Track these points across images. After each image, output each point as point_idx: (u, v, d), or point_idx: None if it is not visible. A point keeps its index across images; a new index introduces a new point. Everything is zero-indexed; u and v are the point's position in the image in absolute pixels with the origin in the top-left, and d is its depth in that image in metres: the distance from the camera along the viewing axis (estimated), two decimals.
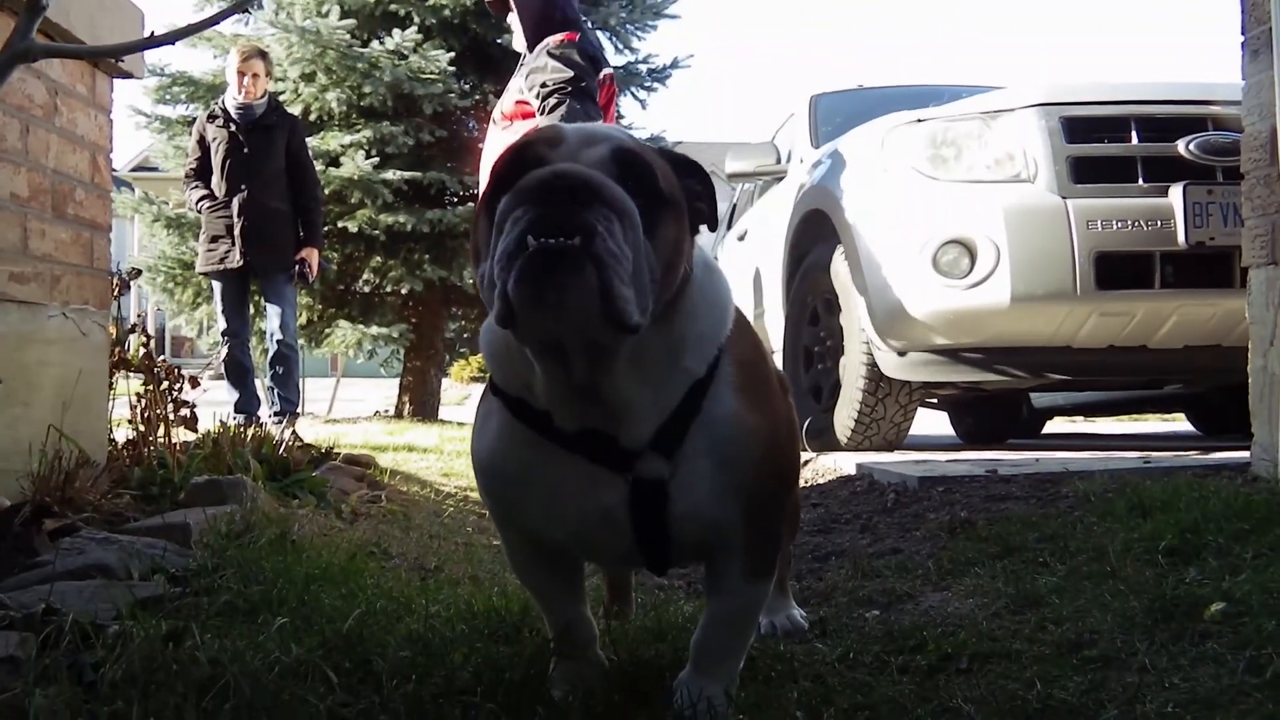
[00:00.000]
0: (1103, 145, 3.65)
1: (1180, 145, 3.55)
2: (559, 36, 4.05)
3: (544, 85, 3.88)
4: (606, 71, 4.15)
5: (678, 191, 1.15)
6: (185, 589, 1.59)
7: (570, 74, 3.82)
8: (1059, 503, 2.35)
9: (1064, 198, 3.51)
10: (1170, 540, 1.81)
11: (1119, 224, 3.49)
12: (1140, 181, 3.56)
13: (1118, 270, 3.47)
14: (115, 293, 3.34)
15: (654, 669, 1.44)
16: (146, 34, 3.40)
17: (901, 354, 3.80)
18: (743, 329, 1.28)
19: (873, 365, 3.91)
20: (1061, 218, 3.49)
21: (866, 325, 3.87)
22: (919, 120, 3.85)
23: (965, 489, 2.56)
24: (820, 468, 3.48)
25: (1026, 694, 1.27)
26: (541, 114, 3.89)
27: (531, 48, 4.11)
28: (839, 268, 4.05)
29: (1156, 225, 3.48)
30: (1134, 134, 3.64)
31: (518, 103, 4.04)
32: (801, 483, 3.30)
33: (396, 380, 9.33)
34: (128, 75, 3.17)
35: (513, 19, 4.23)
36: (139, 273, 4.19)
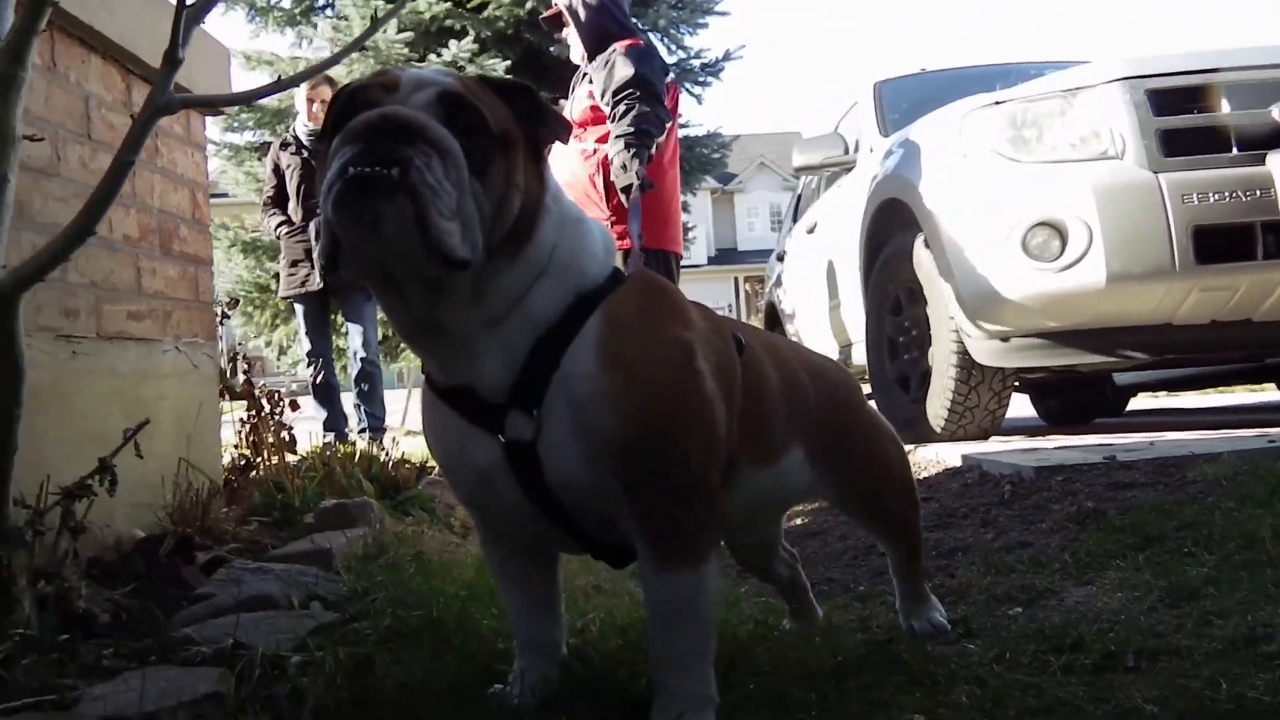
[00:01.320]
0: (1192, 116, 3.55)
1: (1275, 111, 3.44)
2: (624, 43, 4.07)
3: (615, 91, 3.90)
4: (670, 77, 4.18)
5: (511, 126, 1.14)
6: (344, 614, 1.63)
7: (636, 75, 3.84)
8: (1187, 488, 2.30)
9: (1155, 172, 3.43)
10: None
11: (1215, 196, 3.39)
12: (1235, 151, 3.46)
13: (1217, 243, 3.38)
14: (218, 323, 3.44)
15: (618, 668, 1.40)
16: (231, 69, 3.49)
17: (994, 340, 3.74)
18: (642, 291, 1.22)
19: (964, 353, 3.86)
20: (1154, 193, 3.41)
21: (956, 313, 3.81)
22: (996, 102, 3.78)
23: (1085, 477, 2.52)
24: (921, 460, 3.44)
25: (1213, 694, 1.24)
26: (612, 120, 3.91)
27: (592, 57, 4.13)
28: (922, 256, 4.01)
29: (1255, 195, 3.37)
30: (1224, 102, 3.55)
31: (591, 109, 4.06)
32: None
33: None
34: (218, 112, 3.25)
35: (568, 32, 4.26)
36: (237, 302, 4.30)
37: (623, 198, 3.81)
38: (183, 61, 1.54)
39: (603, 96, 3.98)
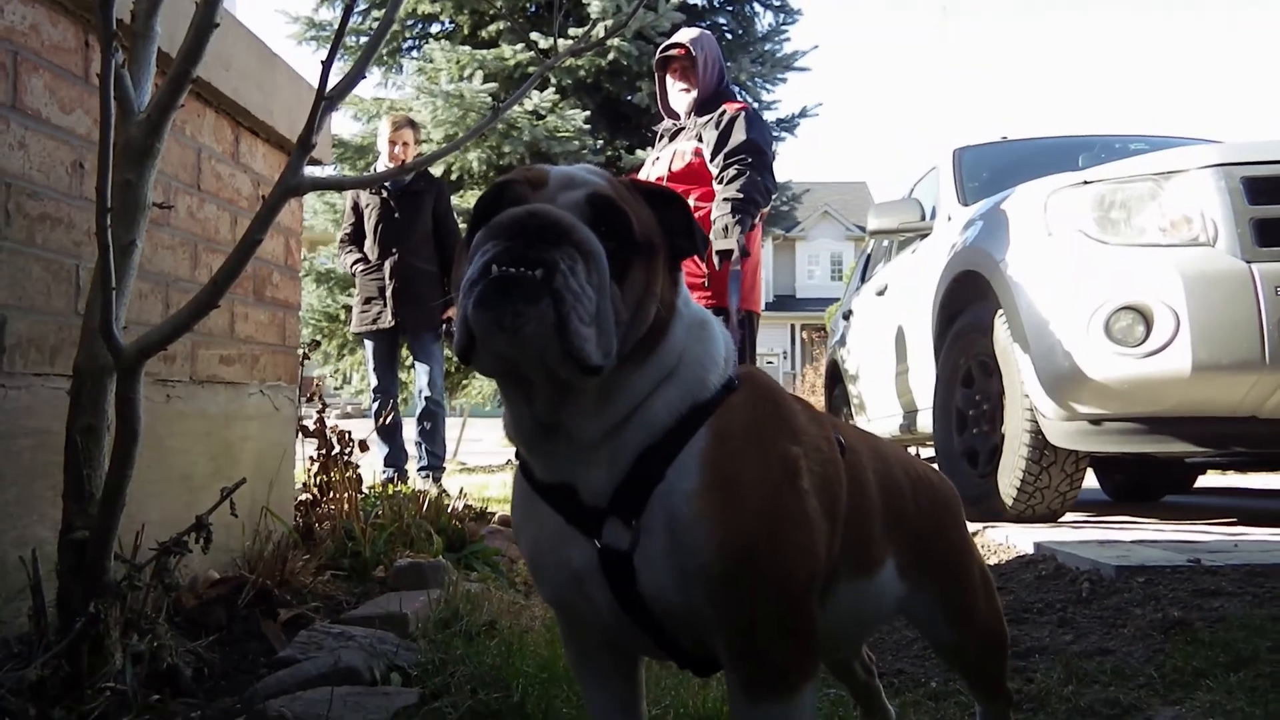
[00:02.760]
0: None
1: None
2: (736, 105, 4.10)
3: (729, 153, 3.92)
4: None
5: (655, 236, 1.13)
6: (424, 690, 1.64)
7: (751, 142, 3.87)
8: (1278, 601, 2.23)
9: (1248, 261, 3.36)
10: None
11: None
12: None
13: None
14: (299, 366, 3.52)
15: None
16: (330, 121, 3.58)
17: (1069, 422, 3.68)
18: (753, 401, 1.19)
19: (1037, 433, 3.80)
20: (1246, 282, 3.34)
21: (1032, 391, 3.76)
22: (1085, 181, 3.75)
23: (1168, 581, 2.44)
24: (990, 543, 3.38)
25: None
26: (719, 182, 3.94)
27: (699, 113, 4.16)
28: (1000, 332, 3.96)
29: None
30: None
31: (696, 165, 4.07)
32: None
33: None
34: (317, 162, 3.35)
35: (676, 83, 4.26)
36: (318, 344, 4.40)
37: (717, 260, 3.80)
38: (314, 145, 1.59)
39: (713, 157, 4.01)
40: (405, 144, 5.68)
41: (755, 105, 4.35)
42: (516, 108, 7.33)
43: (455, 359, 7.60)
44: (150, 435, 2.41)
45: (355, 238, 5.83)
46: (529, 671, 1.68)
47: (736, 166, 3.83)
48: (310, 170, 3.30)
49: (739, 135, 3.88)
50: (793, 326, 33.50)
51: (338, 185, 2.41)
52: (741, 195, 3.80)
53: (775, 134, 8.60)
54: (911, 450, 6.28)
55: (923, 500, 1.47)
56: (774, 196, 9.06)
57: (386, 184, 5.68)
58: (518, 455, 1.21)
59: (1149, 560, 2.63)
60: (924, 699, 2.09)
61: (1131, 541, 3.14)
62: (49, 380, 2.01)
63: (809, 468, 1.20)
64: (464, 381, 8.37)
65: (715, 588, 1.09)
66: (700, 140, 4.06)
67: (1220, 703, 1.76)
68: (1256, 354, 3.29)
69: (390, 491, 3.87)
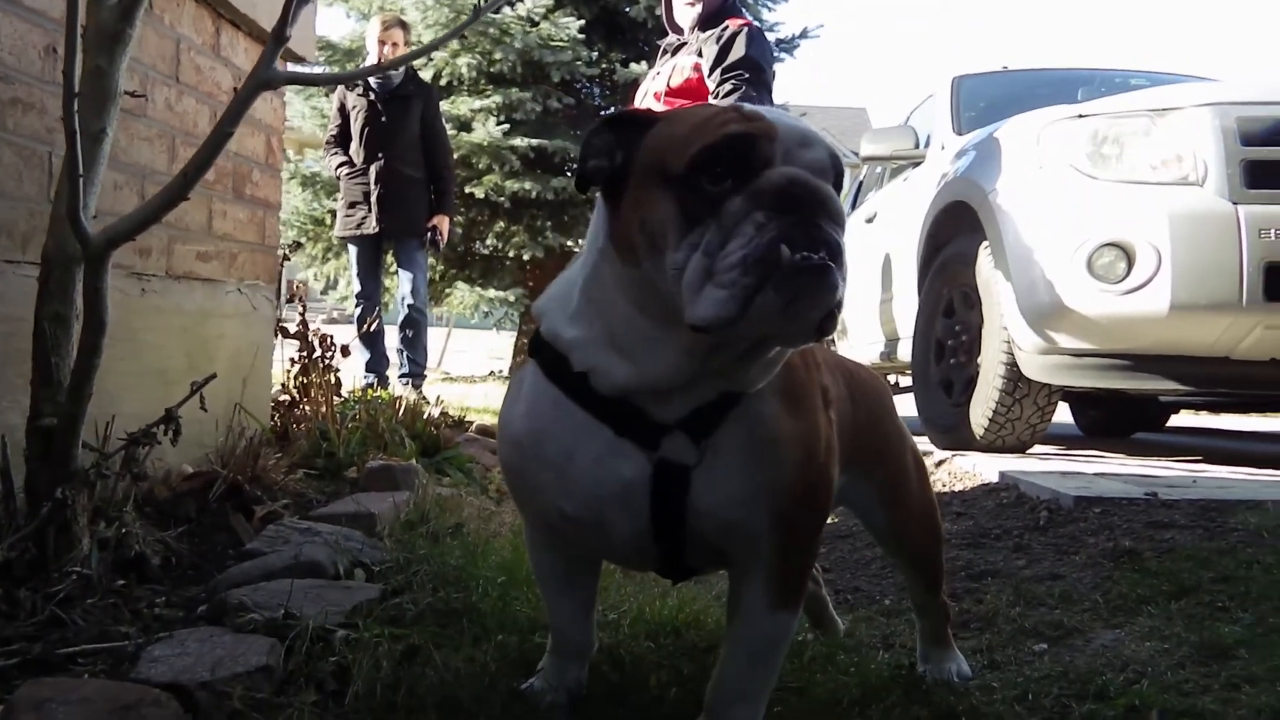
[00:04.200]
0: None
1: None
2: (739, 21, 4.01)
3: (726, 68, 3.84)
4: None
5: None
6: (387, 586, 1.68)
7: (750, 58, 3.78)
8: (1228, 535, 2.28)
9: (1235, 203, 3.35)
10: None
11: None
12: None
13: None
14: (280, 266, 3.50)
15: (651, 673, 1.43)
16: (314, 18, 3.50)
17: (1045, 355, 3.71)
18: None
19: (1012, 365, 3.83)
20: (1231, 225, 3.33)
21: (1010, 323, 3.78)
22: (1080, 115, 3.70)
23: (1124, 513, 2.50)
24: (957, 470, 3.44)
25: None
26: (715, 98, 3.86)
27: (702, 28, 4.07)
28: (983, 263, 3.96)
29: None
30: None
31: (696, 80, 3.99)
32: (941, 487, 3.27)
33: (495, 331, 9.51)
34: (301, 59, 3.28)
35: None
36: (299, 245, 4.37)
37: None
38: (289, 39, 1.56)
39: (711, 72, 3.93)
40: (395, 45, 5.56)
41: (758, 24, 4.21)
42: (508, 12, 7.16)
43: (433, 266, 7.52)
44: (124, 328, 2.42)
45: (341, 140, 5.74)
46: (488, 575, 1.72)
47: (733, 82, 3.76)
48: (294, 69, 3.23)
49: (738, 51, 3.80)
50: None
51: (312, 80, 2.36)
52: None
53: (776, 55, 8.42)
54: (891, 380, 6.33)
55: (857, 394, 1.52)
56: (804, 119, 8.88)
57: (374, 87, 5.57)
58: (550, 364, 1.16)
59: (1107, 492, 2.68)
60: (876, 615, 2.15)
61: (1094, 474, 3.20)
62: (20, 268, 1.99)
63: (831, 399, 1.29)
64: (447, 291, 8.35)
65: (780, 503, 1.15)
66: (700, 56, 3.98)
67: (1159, 628, 1.82)
68: (1234, 296, 3.30)
69: (369, 396, 3.89)
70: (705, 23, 4.06)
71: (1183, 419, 7.62)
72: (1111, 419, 6.32)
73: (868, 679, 1.56)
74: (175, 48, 2.56)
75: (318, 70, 8.53)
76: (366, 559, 1.78)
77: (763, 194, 0.99)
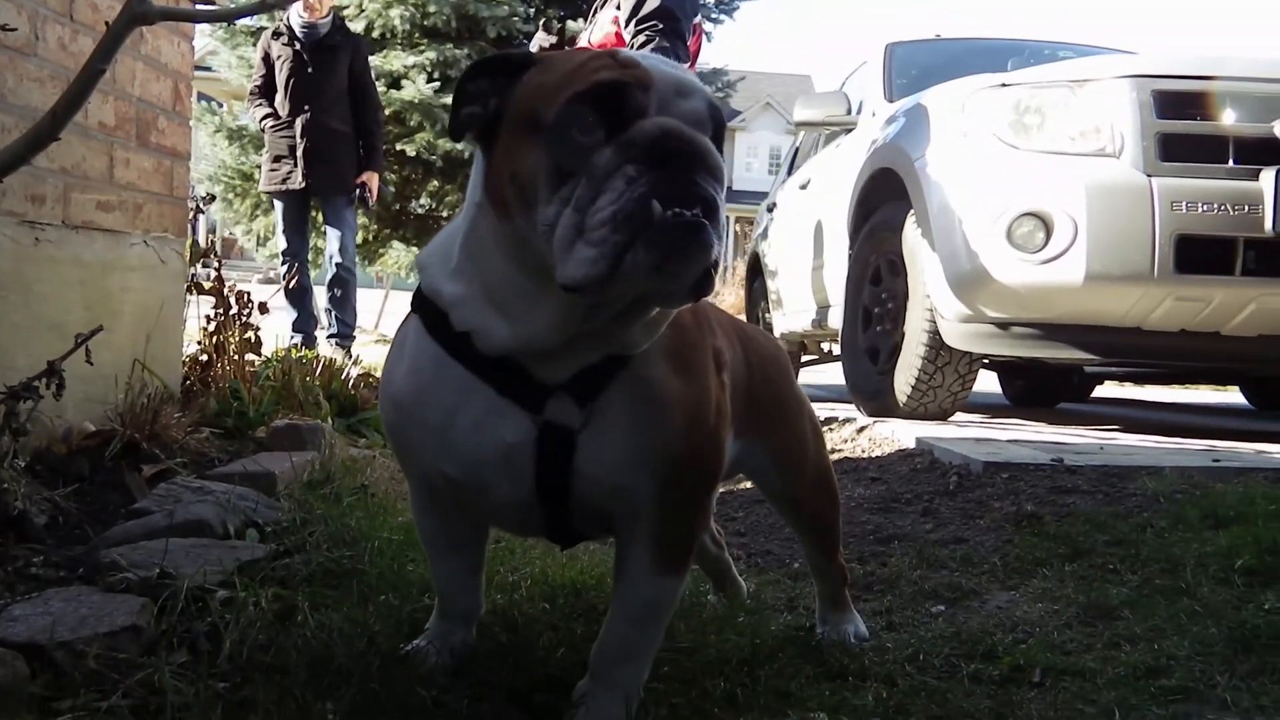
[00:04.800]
0: (1194, 122, 3.52)
1: (1277, 127, 3.42)
2: None
3: (639, 20, 3.78)
4: (696, 20, 4.04)
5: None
6: (279, 545, 1.64)
7: (663, 8, 3.72)
8: (1127, 500, 2.34)
9: (1149, 175, 3.41)
10: (1248, 560, 1.80)
11: (1204, 206, 3.39)
12: (1231, 163, 3.45)
13: (1198, 254, 3.38)
14: (190, 218, 3.39)
15: (541, 635, 1.43)
16: None
17: (965, 324, 3.76)
18: None
19: (934, 333, 3.88)
20: (1145, 197, 3.40)
21: (933, 291, 3.82)
22: (1003, 84, 3.73)
23: (1030, 478, 2.55)
24: (877, 436, 3.48)
25: None
26: (631, 48, 3.80)
27: None
28: (908, 231, 3.99)
29: (1243, 210, 3.37)
30: (1229, 111, 3.52)
31: (616, 35, 3.93)
32: (861, 453, 3.31)
33: None
34: (210, 1, 3.15)
35: None
36: (213, 198, 4.23)
37: None
38: None
39: (627, 24, 3.86)
40: None
41: None
42: None
43: (366, 225, 7.38)
44: (16, 279, 2.32)
45: (266, 91, 5.57)
46: (385, 537, 1.69)
47: (647, 33, 3.70)
48: (200, 9, 3.11)
49: (652, 2, 3.74)
50: (727, 218, 33.33)
51: (189, 16, 2.28)
52: None
53: (711, 14, 8.38)
54: (825, 347, 6.39)
55: (753, 359, 1.51)
56: (710, 85, 8.89)
57: (300, 36, 5.40)
58: (432, 322, 1.13)
59: (1016, 458, 2.73)
60: (784, 578, 2.17)
61: (1006, 440, 3.27)
62: None
63: (723, 361, 1.27)
64: (381, 251, 8.20)
65: (667, 467, 1.12)
66: (619, 9, 3.91)
67: (1051, 589, 1.87)
68: (1146, 267, 3.38)
69: (294, 355, 3.81)
70: None
71: (1107, 390, 7.82)
72: (1036, 389, 6.46)
73: (763, 639, 1.57)
74: None
75: (241, 20, 8.26)
76: (261, 519, 1.74)
77: (634, 145, 0.95)
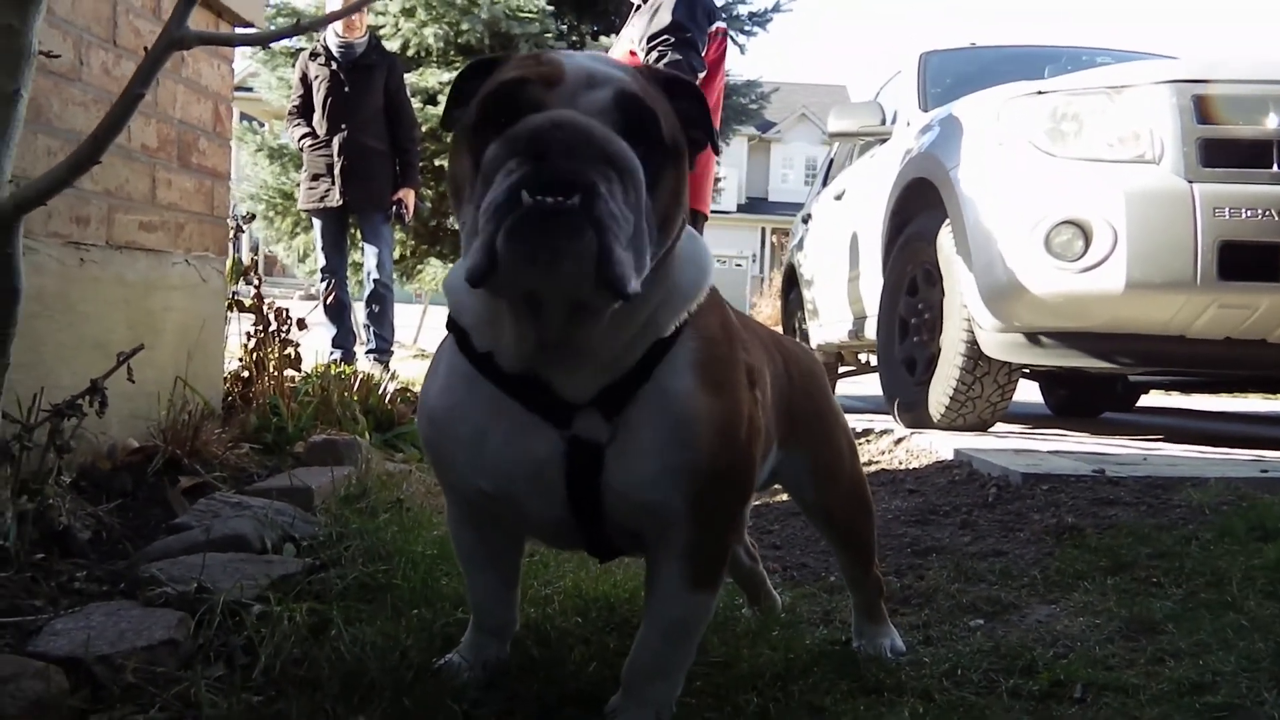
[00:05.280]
0: (1236, 128, 3.47)
1: None
2: None
3: (650, 38, 3.80)
4: (719, 25, 4.03)
5: (679, 135, 1.07)
6: (315, 560, 1.66)
7: (672, 23, 3.73)
8: (1171, 512, 2.30)
9: (1190, 181, 3.36)
10: None
11: (1248, 212, 3.33)
12: (1275, 168, 3.39)
13: (1242, 260, 3.32)
14: (231, 237, 3.45)
15: (574, 649, 1.42)
16: None
17: (1004, 334, 3.71)
18: (714, 305, 1.19)
19: (972, 343, 3.84)
20: (1186, 203, 3.34)
21: (969, 301, 3.78)
22: (1039, 91, 3.70)
23: (1071, 489, 2.51)
24: (914, 448, 3.45)
25: None
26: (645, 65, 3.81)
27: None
28: (944, 241, 3.96)
29: None
30: (1271, 116, 3.45)
31: (630, 54, 3.97)
32: (897, 464, 3.28)
33: None
34: (248, 24, 3.21)
35: None
36: (253, 217, 4.31)
37: None
38: None
39: (642, 42, 3.89)
40: (358, 13, 5.46)
41: None
42: None
43: (403, 241, 7.46)
44: (61, 299, 2.37)
45: (304, 111, 5.65)
46: (419, 551, 1.70)
47: (659, 49, 3.71)
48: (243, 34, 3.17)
49: (663, 18, 3.76)
50: (764, 230, 33.32)
51: (226, 40, 2.32)
52: None
53: (744, 27, 8.37)
54: (862, 358, 6.34)
55: (793, 374, 1.51)
56: (744, 97, 8.88)
57: (337, 56, 5.48)
58: (461, 340, 1.15)
59: (1056, 469, 2.69)
60: (819, 591, 2.15)
61: (1047, 451, 3.22)
62: None
63: (756, 377, 1.25)
64: (419, 267, 8.28)
65: (696, 483, 1.10)
66: (635, 26, 3.94)
67: (1092, 603, 1.83)
68: (1189, 274, 3.32)
69: (333, 371, 3.85)
70: None
71: (1152, 399, 7.68)
72: (1079, 399, 6.36)
73: (797, 653, 1.56)
74: (112, 9, 2.49)
75: (285, 41, 8.39)
76: (297, 534, 1.76)
77: (517, 139, 0.95)
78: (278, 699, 1.11)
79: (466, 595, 1.38)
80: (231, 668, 1.20)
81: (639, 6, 4.01)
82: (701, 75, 3.83)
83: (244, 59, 8.41)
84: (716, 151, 1.19)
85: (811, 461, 1.55)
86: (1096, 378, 5.83)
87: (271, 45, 8.31)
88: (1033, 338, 3.68)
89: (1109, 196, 3.39)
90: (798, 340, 1.74)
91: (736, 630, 1.65)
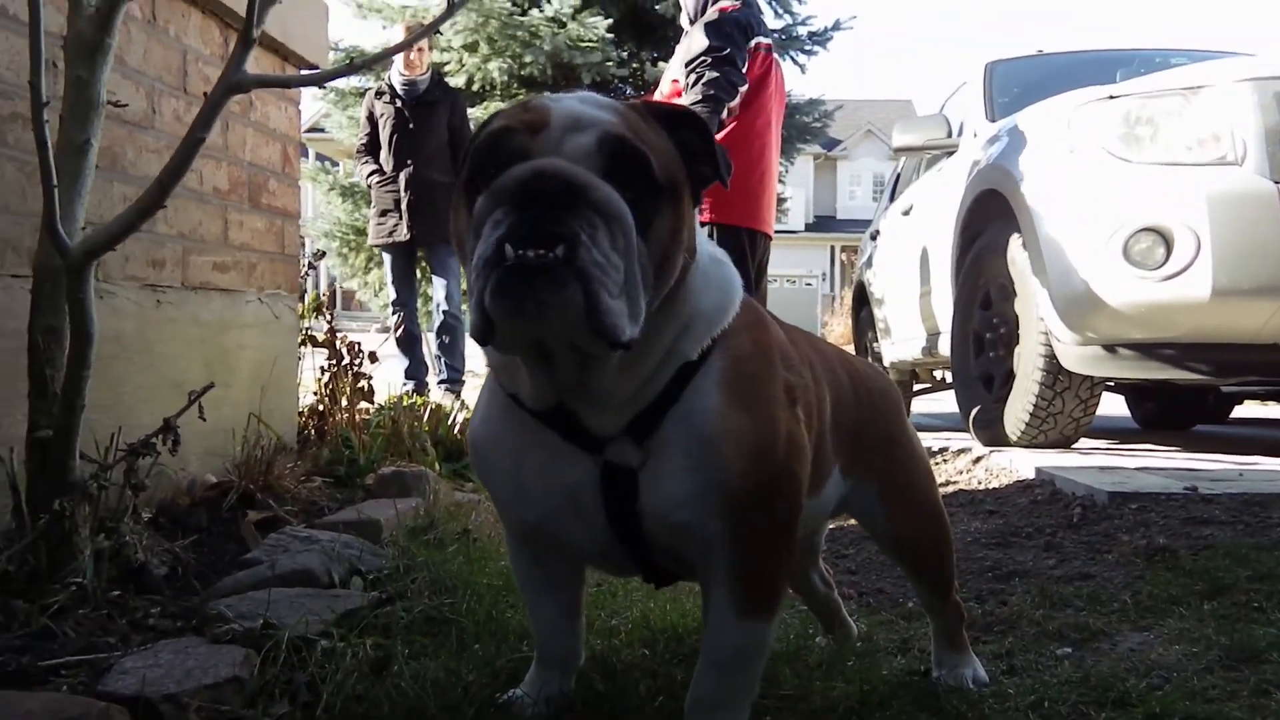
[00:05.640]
0: None
1: None
2: (718, 8, 3.94)
3: (687, 63, 3.80)
4: (761, 41, 3.97)
5: (677, 170, 1.05)
6: (381, 594, 1.66)
7: (709, 44, 3.72)
8: (1270, 531, 2.17)
9: (1276, 182, 3.22)
10: None
11: None
12: None
13: None
14: (302, 274, 3.52)
15: (639, 681, 1.37)
16: (329, 26, 3.53)
17: (1084, 346, 3.59)
18: (752, 324, 1.16)
19: (1051, 357, 3.72)
20: (1273, 205, 3.20)
21: (1046, 314, 3.67)
22: (1111, 96, 3.58)
23: (1162, 508, 2.40)
24: (994, 467, 3.34)
25: None
26: (686, 90, 3.80)
27: (694, 20, 4.02)
28: (1016, 253, 3.85)
29: None
30: None
31: (673, 83, 3.97)
32: (975, 484, 3.18)
33: None
34: (314, 67, 3.29)
35: None
36: (323, 255, 4.41)
37: None
38: (256, 42, 1.55)
39: (680, 67, 3.88)
40: (420, 50, 5.59)
41: (757, 8, 4.07)
42: (537, 14, 7.17)
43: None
44: (139, 340, 2.44)
45: (371, 148, 5.79)
46: (485, 583, 1.68)
47: (696, 71, 3.70)
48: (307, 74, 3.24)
49: (700, 44, 3.74)
50: (832, 248, 33.05)
51: (282, 82, 2.38)
52: (700, 97, 3.66)
53: (805, 46, 8.33)
54: (937, 375, 6.20)
55: (862, 396, 1.45)
56: (807, 115, 8.81)
57: (401, 94, 5.60)
58: (497, 377, 1.16)
59: (1145, 487, 2.58)
60: (897, 619, 2.08)
61: (1134, 468, 3.09)
62: (27, 282, 2.00)
63: (800, 395, 1.20)
64: None
65: (728, 506, 1.08)
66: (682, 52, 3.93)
67: (1189, 630, 1.73)
68: (1279, 279, 3.17)
69: (405, 403, 3.90)
70: (698, 12, 4.00)
71: (1247, 410, 7.35)
72: (1168, 412, 6.12)
73: (874, 685, 1.50)
74: (182, 59, 2.57)
75: (354, 80, 8.62)
76: (365, 567, 1.76)
77: (502, 190, 0.94)
78: None
79: (530, 627, 1.36)
80: (295, 705, 1.19)
81: (688, 31, 4.01)
82: (743, 89, 3.79)
83: (316, 101, 8.67)
84: (724, 184, 1.15)
85: (881, 488, 1.48)
86: (1186, 389, 5.59)
87: (342, 86, 8.54)
88: (1113, 350, 3.55)
89: (1190, 201, 3.26)
90: (870, 361, 1.68)
91: (809, 661, 1.59)
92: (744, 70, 3.79)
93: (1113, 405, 6.16)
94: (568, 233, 0.91)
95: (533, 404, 1.10)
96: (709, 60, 3.69)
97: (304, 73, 2.83)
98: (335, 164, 8.95)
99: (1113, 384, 5.06)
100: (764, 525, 1.11)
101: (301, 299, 3.49)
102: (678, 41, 4.26)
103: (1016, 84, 5.06)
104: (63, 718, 0.97)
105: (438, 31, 5.74)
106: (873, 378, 1.57)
